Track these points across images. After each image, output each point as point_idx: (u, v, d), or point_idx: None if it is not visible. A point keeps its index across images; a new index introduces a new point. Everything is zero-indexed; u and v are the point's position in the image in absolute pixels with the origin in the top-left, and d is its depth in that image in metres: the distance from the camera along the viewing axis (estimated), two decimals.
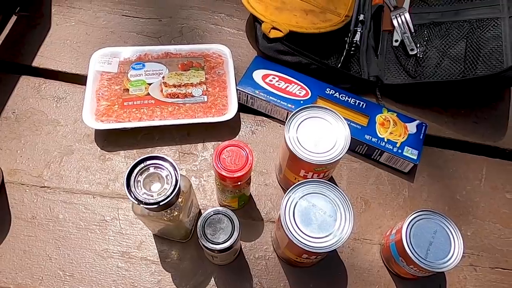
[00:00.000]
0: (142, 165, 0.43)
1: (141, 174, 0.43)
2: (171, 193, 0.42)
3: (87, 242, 0.55)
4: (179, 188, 0.43)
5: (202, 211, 0.58)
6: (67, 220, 0.56)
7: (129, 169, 0.42)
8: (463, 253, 0.48)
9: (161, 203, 0.41)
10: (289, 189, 0.46)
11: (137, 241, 0.55)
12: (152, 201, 0.41)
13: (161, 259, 0.55)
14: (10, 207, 0.57)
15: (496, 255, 0.57)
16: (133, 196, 0.41)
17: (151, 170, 0.43)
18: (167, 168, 0.43)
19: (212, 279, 0.54)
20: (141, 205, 0.41)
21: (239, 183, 0.49)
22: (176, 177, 0.43)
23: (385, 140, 0.61)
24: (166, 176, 0.43)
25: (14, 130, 0.62)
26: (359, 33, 0.72)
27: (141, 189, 0.42)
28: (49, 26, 0.73)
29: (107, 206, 0.58)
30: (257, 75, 0.65)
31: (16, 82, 0.66)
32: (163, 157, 0.43)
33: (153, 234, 0.56)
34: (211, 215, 0.47)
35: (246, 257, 0.55)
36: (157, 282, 0.53)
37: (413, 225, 0.49)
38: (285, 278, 0.54)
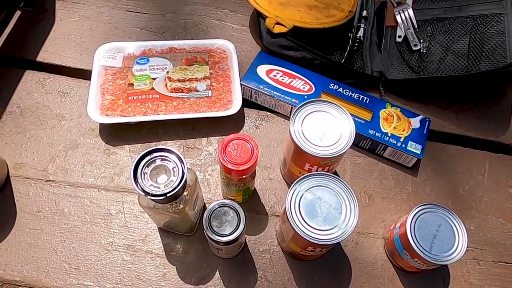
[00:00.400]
0: (149, 157, 0.43)
1: (147, 166, 0.43)
2: (178, 185, 0.42)
3: (93, 235, 0.55)
4: (186, 180, 0.43)
5: (206, 205, 0.58)
6: (72, 214, 0.56)
7: (136, 161, 0.42)
8: (467, 246, 0.48)
9: (167, 195, 0.42)
10: (295, 182, 0.46)
11: (142, 235, 0.56)
12: (159, 192, 0.42)
13: (166, 253, 0.55)
14: (15, 201, 0.57)
15: (499, 249, 0.58)
16: (140, 188, 0.42)
17: (158, 162, 0.43)
18: (173, 161, 0.43)
19: (217, 272, 0.54)
20: (148, 196, 0.42)
21: (244, 176, 0.49)
22: (182, 169, 0.43)
23: (389, 134, 0.61)
24: (173, 169, 0.43)
25: (19, 124, 0.63)
26: (362, 28, 0.72)
27: (148, 181, 0.42)
28: (53, 21, 0.73)
29: (112, 200, 0.58)
30: (261, 70, 0.65)
31: (20, 76, 0.67)
32: (169, 150, 0.44)
33: (158, 228, 0.56)
34: (217, 208, 0.48)
35: (250, 250, 0.56)
36: (162, 275, 0.53)
37: (417, 218, 0.50)
38: (290, 271, 0.55)
